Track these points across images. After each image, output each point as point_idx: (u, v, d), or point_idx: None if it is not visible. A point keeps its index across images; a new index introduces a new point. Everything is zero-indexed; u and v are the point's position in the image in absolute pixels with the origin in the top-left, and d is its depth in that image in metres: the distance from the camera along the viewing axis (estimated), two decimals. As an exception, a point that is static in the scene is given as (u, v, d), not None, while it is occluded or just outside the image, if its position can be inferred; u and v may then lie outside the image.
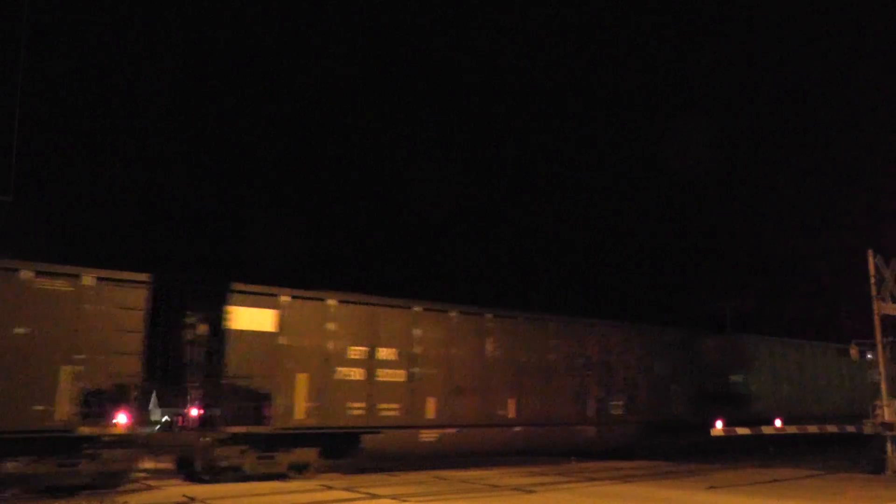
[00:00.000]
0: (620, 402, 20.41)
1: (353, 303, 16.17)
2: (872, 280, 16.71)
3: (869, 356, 19.76)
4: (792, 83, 60.09)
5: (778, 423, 24.29)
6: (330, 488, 13.12)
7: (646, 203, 58.72)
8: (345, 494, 12.33)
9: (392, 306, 16.74)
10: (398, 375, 16.32)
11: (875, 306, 16.67)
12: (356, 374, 15.73)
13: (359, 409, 15.57)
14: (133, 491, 12.84)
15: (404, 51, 56.56)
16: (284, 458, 14.83)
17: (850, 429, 18.16)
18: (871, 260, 16.81)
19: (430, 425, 16.63)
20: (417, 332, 16.95)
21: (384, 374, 16.10)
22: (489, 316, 18.36)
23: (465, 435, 17.13)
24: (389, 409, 16.00)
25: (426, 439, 16.52)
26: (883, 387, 16.35)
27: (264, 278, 15.91)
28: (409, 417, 16.29)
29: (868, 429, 16.40)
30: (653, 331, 22.17)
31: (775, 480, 14.15)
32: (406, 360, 16.55)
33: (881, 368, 16.52)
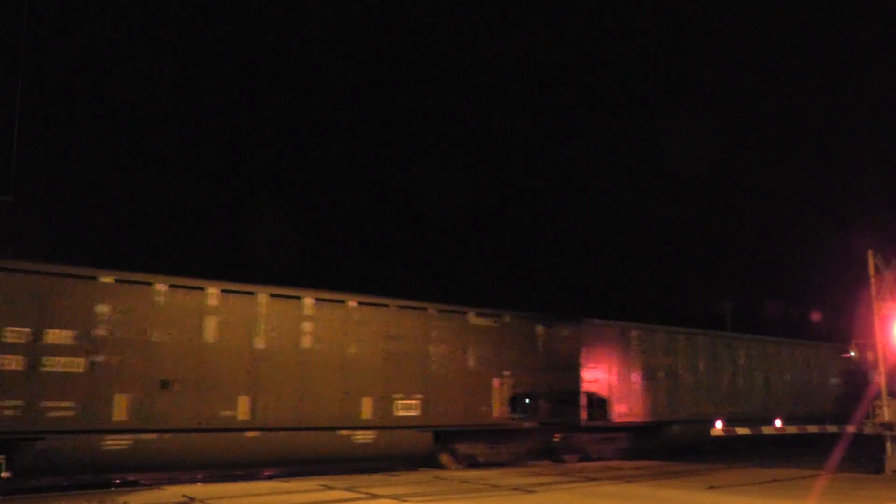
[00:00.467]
0: (413, 402, 16.89)
1: (10, 270, 12.89)
2: (872, 280, 16.72)
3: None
4: (792, 83, 60.14)
5: (778, 422, 24.30)
6: (330, 488, 13.13)
7: (645, 202, 58.77)
8: (345, 494, 12.35)
9: (68, 275, 13.40)
10: (74, 365, 13.09)
11: (875, 306, 16.68)
12: (12, 362, 12.60)
13: (12, 408, 12.43)
14: (133, 491, 12.86)
15: (405, 49, 56.66)
16: None
17: (851, 429, 18.14)
18: (871, 260, 16.81)
19: (119, 429, 13.36)
20: (104, 308, 13.53)
21: (53, 363, 12.92)
22: (212, 291, 14.73)
23: (170, 441, 13.87)
24: (59, 409, 12.83)
25: (113, 447, 13.29)
26: (883, 386, 16.35)
27: (265, 278, 15.93)
28: (87, 419, 13.07)
29: (868, 429, 16.41)
30: (466, 314, 18.21)
31: (775, 480, 14.17)
32: (87, 345, 13.26)
33: (881, 368, 16.53)
